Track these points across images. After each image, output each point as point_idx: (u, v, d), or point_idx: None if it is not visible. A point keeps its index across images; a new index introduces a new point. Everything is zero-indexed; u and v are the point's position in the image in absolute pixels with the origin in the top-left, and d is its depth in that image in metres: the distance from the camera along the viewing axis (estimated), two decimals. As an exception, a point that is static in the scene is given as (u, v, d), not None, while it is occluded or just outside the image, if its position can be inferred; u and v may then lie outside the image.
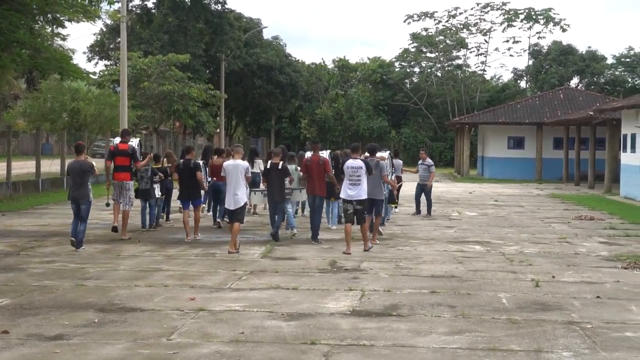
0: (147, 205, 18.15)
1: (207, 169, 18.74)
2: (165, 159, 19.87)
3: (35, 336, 8.35)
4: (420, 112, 71.00)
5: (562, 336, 8.60)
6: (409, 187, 24.71)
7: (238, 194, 14.70)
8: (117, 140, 17.24)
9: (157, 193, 18.40)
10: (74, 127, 36.88)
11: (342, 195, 15.32)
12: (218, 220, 18.95)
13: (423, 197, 22.68)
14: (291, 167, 17.63)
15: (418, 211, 22.74)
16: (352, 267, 13.06)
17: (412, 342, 8.27)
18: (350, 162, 15.04)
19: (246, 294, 10.66)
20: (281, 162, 16.55)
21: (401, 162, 22.50)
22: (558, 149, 45.94)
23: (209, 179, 18.71)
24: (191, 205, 16.73)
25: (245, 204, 15.11)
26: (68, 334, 8.45)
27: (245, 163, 15.24)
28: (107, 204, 16.96)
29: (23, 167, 31.28)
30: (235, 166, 14.79)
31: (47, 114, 37.75)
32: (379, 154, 16.37)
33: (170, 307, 9.77)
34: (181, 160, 16.96)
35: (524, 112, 48.03)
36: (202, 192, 17.75)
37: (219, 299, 10.28)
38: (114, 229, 16.70)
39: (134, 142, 17.14)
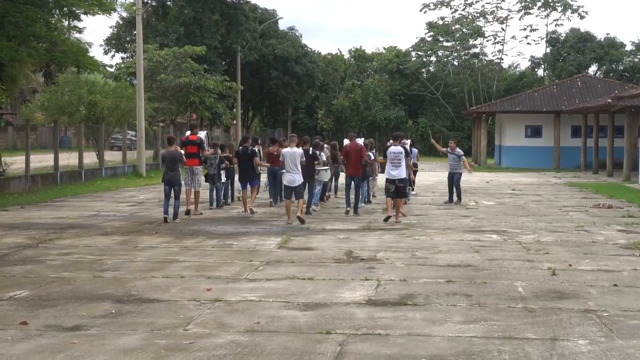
0: (214, 187, 21.14)
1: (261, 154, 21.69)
2: (227, 149, 22.26)
3: (53, 327, 8.42)
4: (437, 102, 70.77)
5: (578, 324, 8.57)
6: (425, 177, 24.69)
7: (295, 175, 17.56)
8: (188, 132, 20.13)
9: (223, 178, 21.27)
10: (92, 120, 36.98)
11: (385, 176, 18.09)
12: (270, 200, 21.79)
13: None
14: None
15: (451, 199, 23.19)
16: (368, 257, 13.07)
17: (427, 331, 8.28)
18: (392, 148, 18.09)
19: (262, 285, 10.70)
20: (311, 149, 19.60)
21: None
22: (576, 137, 45.72)
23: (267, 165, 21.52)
24: (249, 186, 19.87)
25: (303, 182, 17.96)
26: (86, 324, 8.52)
27: (300, 150, 18.08)
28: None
29: (42, 160, 31.44)
30: (292, 153, 17.67)
31: (64, 107, 37.82)
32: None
33: (187, 297, 9.82)
34: (240, 147, 19.91)
35: (541, 101, 47.82)
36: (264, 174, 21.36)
37: (235, 290, 10.32)
38: (188, 213, 19.17)
39: (202, 134, 20.20)
